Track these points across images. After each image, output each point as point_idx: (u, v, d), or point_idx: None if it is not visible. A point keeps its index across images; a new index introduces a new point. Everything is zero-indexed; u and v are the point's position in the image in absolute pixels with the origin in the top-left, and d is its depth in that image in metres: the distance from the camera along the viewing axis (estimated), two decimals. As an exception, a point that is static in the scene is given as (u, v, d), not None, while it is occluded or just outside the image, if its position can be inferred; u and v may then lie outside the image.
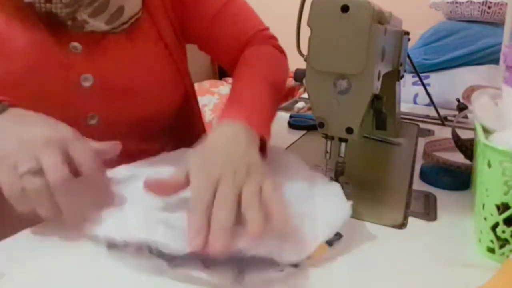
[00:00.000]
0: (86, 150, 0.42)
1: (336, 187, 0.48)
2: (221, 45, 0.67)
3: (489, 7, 1.14)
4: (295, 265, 0.37)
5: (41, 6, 0.49)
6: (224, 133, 0.46)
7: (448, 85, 1.11)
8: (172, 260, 0.36)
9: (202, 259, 0.36)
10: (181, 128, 0.71)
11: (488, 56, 1.12)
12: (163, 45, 0.62)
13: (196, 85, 0.79)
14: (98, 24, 0.53)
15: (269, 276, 0.36)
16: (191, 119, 0.73)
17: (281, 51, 0.70)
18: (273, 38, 0.71)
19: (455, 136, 0.62)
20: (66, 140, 0.41)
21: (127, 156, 0.49)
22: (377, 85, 0.49)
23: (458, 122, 0.67)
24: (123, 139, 0.46)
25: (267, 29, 0.70)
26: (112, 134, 0.50)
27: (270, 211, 0.37)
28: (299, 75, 0.59)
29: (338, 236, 0.41)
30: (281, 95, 0.63)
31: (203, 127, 0.77)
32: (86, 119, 0.55)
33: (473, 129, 0.52)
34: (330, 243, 0.40)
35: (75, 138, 0.42)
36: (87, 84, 0.54)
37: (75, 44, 0.53)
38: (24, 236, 0.41)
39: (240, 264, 0.36)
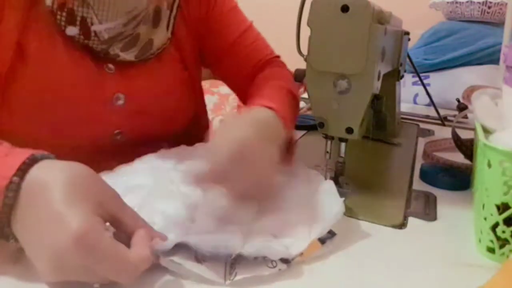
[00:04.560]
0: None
1: (329, 185, 0.48)
2: (236, 70, 0.70)
3: (489, 7, 1.14)
4: (287, 262, 0.37)
5: (80, 39, 0.52)
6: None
7: (448, 85, 1.11)
8: (166, 255, 0.36)
9: (195, 254, 0.36)
10: (190, 139, 0.74)
11: (488, 56, 1.12)
12: (184, 68, 0.66)
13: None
14: (129, 57, 0.56)
15: (260, 272, 0.36)
16: (200, 132, 0.75)
17: (291, 73, 0.73)
18: (284, 64, 0.73)
19: (455, 136, 0.62)
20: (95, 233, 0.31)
21: None
22: (377, 85, 0.49)
23: (458, 122, 0.67)
24: (139, 153, 0.52)
25: (278, 56, 0.73)
26: (133, 149, 0.55)
27: None
28: (299, 75, 0.59)
29: (331, 234, 0.41)
30: (298, 107, 0.66)
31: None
32: (113, 135, 0.58)
33: (473, 129, 0.52)
34: (322, 240, 0.40)
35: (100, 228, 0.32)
36: (119, 102, 0.57)
37: (110, 65, 0.56)
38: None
39: (232, 259, 0.36)
